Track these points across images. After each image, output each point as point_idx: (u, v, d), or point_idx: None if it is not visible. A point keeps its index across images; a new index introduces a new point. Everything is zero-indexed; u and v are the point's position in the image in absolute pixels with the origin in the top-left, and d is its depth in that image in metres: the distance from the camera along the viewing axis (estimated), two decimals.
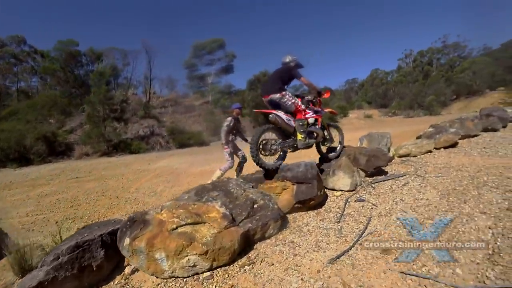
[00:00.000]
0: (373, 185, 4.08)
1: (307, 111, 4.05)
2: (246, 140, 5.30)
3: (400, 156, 5.93)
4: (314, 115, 4.13)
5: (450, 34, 58.16)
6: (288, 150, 4.02)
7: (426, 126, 8.37)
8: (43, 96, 25.66)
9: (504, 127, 8.25)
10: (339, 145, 4.73)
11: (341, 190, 4.04)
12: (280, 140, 3.85)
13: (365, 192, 3.91)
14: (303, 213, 3.50)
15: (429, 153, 5.81)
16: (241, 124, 5.78)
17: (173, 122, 28.41)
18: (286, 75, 3.83)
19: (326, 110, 4.61)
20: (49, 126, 22.35)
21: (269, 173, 3.82)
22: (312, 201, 3.52)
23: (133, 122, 26.42)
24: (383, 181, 4.22)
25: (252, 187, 3.64)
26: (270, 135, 3.85)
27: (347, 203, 3.56)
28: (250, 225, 2.89)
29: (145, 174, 10.18)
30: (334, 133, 4.78)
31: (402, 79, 47.67)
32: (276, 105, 3.82)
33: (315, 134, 4.11)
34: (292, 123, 3.79)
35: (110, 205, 6.49)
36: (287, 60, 3.88)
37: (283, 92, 3.72)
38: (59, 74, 28.32)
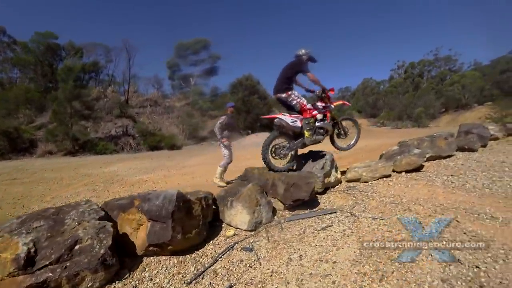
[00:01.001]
0: (283, 225, 2.98)
1: (315, 107, 4.12)
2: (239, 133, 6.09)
3: (349, 181, 4.82)
4: (322, 111, 4.19)
5: (442, 47, 58.24)
6: (299, 149, 4.18)
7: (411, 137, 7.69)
8: (15, 89, 24.19)
9: (483, 146, 7.25)
10: (354, 139, 4.86)
11: (238, 228, 3.11)
12: (289, 144, 4.00)
13: (265, 235, 2.79)
14: (164, 258, 2.65)
15: (385, 178, 4.71)
16: (235, 121, 5.99)
17: (150, 123, 27.14)
18: (294, 69, 3.84)
19: (336, 103, 4.57)
20: (15, 121, 20.96)
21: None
22: (170, 246, 2.56)
23: (106, 120, 25.07)
24: (302, 219, 3.12)
25: (104, 217, 2.62)
26: (280, 140, 4.01)
27: (230, 251, 2.55)
28: (51, 274, 2.10)
29: (82, 179, 8.94)
30: (349, 126, 4.82)
31: (392, 89, 47.24)
32: (284, 103, 3.99)
33: (324, 129, 4.15)
34: (298, 123, 3.87)
35: None
36: (300, 53, 3.87)
37: (289, 92, 3.84)
38: (36, 67, 26.82)
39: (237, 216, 3.17)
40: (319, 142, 4.24)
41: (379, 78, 53.64)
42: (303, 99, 4.04)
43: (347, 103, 5.28)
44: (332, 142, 4.67)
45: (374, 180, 4.66)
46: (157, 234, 2.60)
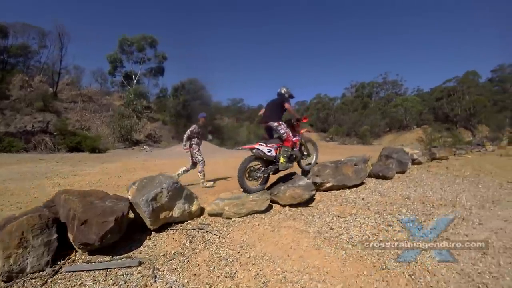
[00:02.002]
0: (53, 278, 2.25)
1: (293, 139, 4.58)
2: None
3: (211, 215, 3.48)
4: (295, 139, 4.66)
5: (390, 72, 62.54)
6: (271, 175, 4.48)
7: (349, 155, 6.81)
8: None
9: (402, 172, 6.51)
10: (314, 158, 5.26)
11: None
12: (264, 168, 4.34)
13: None
14: None
15: (256, 215, 3.45)
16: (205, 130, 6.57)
17: (77, 121, 23.91)
18: (281, 104, 4.49)
19: (302, 131, 5.08)
20: None
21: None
22: None
23: (25, 113, 21.44)
24: (86, 270, 2.31)
25: None
26: (255, 163, 4.34)
27: None
28: None
29: None
30: (310, 147, 5.25)
31: (343, 106, 48.99)
32: (271, 130, 4.62)
33: (294, 156, 4.59)
34: (273, 152, 4.29)
35: None
36: (283, 91, 4.66)
37: (280, 122, 4.44)
38: None
39: None
40: (289, 168, 4.57)
41: (334, 95, 55.36)
42: (289, 130, 4.51)
43: (306, 119, 5.28)
44: (298, 163, 4.98)
45: (239, 217, 3.37)
46: None
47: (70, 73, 32.99)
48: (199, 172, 6.02)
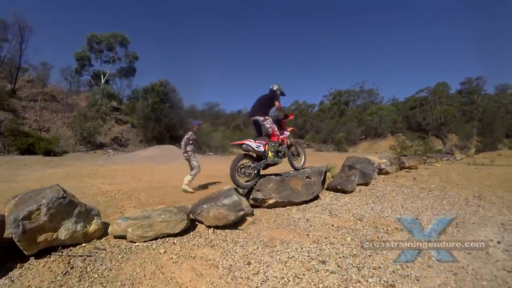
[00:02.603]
0: None
1: (280, 135, 4.68)
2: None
3: (116, 237, 2.64)
4: (282, 136, 4.79)
5: (367, 81, 64.14)
6: (261, 170, 4.56)
7: (324, 163, 6.69)
8: None
9: (365, 184, 5.91)
10: (303, 159, 5.45)
11: None
12: (254, 165, 4.41)
13: None
14: None
15: (167, 239, 2.64)
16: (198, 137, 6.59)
17: (35, 121, 22.01)
18: (270, 100, 4.59)
19: (289, 130, 5.12)
20: None
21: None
22: None
23: None
24: None
25: None
26: (246, 160, 4.42)
27: None
28: None
29: None
30: (300, 149, 5.42)
31: (320, 114, 49.25)
32: (258, 125, 4.63)
33: (283, 153, 4.69)
34: (261, 148, 4.37)
35: None
36: (275, 88, 4.70)
37: (266, 117, 4.47)
38: None
39: None
40: (277, 163, 4.65)
41: (312, 102, 55.56)
42: (275, 125, 4.56)
43: (294, 129, 5.63)
44: (290, 162, 5.00)
45: (145, 242, 2.54)
46: None
47: (37, 69, 30.93)
48: (190, 175, 6.10)
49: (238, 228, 3.13)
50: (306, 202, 4.35)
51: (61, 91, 28.04)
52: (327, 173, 6.11)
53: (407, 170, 9.27)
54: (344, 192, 5.15)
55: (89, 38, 26.47)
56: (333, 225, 3.29)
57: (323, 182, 5.46)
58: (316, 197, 4.61)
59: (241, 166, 4.41)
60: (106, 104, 21.84)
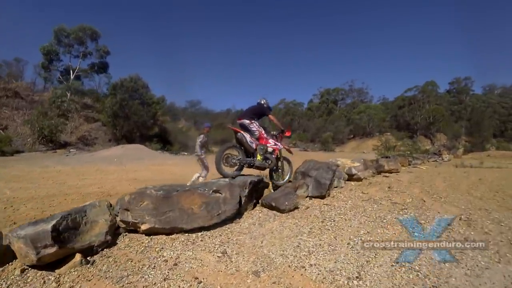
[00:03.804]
0: None
1: (269, 141, 4.71)
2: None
3: None
4: (274, 146, 4.77)
5: (356, 80, 63.43)
6: (245, 166, 4.54)
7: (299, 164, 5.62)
8: None
9: (320, 197, 4.55)
10: (287, 176, 5.14)
11: None
12: (240, 157, 4.44)
13: None
14: None
15: None
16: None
17: None
18: (259, 111, 4.75)
19: (284, 146, 5.10)
20: None
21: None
22: None
23: None
24: None
25: None
26: (233, 151, 4.45)
27: None
28: None
29: None
30: (285, 166, 5.22)
31: (308, 112, 48.16)
32: (245, 128, 4.57)
33: (270, 161, 4.59)
34: (254, 145, 4.44)
35: None
36: (262, 102, 4.88)
37: (252, 121, 4.56)
38: None
39: None
40: (263, 168, 4.63)
41: (303, 101, 54.29)
42: (262, 129, 4.63)
43: (291, 151, 5.69)
44: (270, 176, 4.98)
45: None
46: None
47: (10, 66, 28.90)
48: (201, 176, 6.08)
49: (56, 270, 1.73)
50: (209, 228, 2.95)
51: (27, 88, 26.14)
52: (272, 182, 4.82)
53: (385, 174, 7.99)
54: (279, 211, 3.78)
55: (56, 31, 24.60)
56: (209, 283, 1.90)
57: (258, 196, 4.15)
58: (226, 221, 3.22)
59: (227, 155, 4.36)
60: (68, 101, 20.04)
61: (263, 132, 4.66)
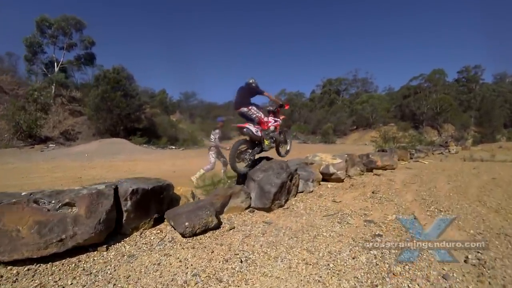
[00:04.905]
0: None
1: (269, 120, 4.69)
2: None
3: None
4: (275, 124, 4.76)
5: (360, 69, 61.26)
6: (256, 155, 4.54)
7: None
8: None
9: (265, 209, 3.33)
10: (289, 146, 5.33)
11: None
12: (250, 150, 4.43)
13: None
14: None
15: None
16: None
17: None
18: (251, 92, 4.59)
19: (282, 117, 5.10)
20: None
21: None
22: None
23: None
24: None
25: None
26: (243, 147, 4.42)
27: None
28: None
29: None
30: (288, 137, 5.34)
31: (309, 103, 46.38)
32: (244, 116, 4.50)
33: (275, 139, 4.71)
34: (259, 133, 4.37)
35: None
36: (251, 81, 4.65)
37: (250, 107, 4.43)
38: None
39: None
40: (272, 148, 4.69)
41: (305, 92, 52.32)
42: (260, 113, 4.53)
43: (288, 106, 5.44)
44: (277, 148, 4.98)
45: None
46: None
47: (3, 61, 28.01)
48: (203, 169, 6.18)
49: None
50: (45, 259, 1.72)
51: (12, 82, 25.14)
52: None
53: (377, 172, 6.60)
54: (183, 236, 2.48)
55: (38, 22, 23.38)
56: None
57: (166, 208, 2.85)
58: (80, 249, 1.96)
59: (239, 152, 4.37)
60: (46, 94, 18.93)
61: (262, 116, 4.56)
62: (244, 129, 4.34)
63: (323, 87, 48.30)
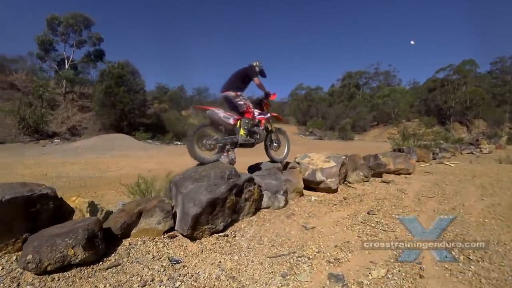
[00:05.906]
0: None
1: (254, 111, 4.12)
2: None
3: None
4: (259, 116, 4.18)
5: (382, 62, 57.92)
6: (228, 146, 3.90)
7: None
8: None
9: (189, 237, 2.23)
10: (286, 149, 4.68)
11: None
12: (217, 136, 3.78)
13: None
14: None
15: None
16: None
17: None
18: (246, 75, 4.00)
19: (272, 114, 4.48)
20: None
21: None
22: None
23: None
24: None
25: None
26: (207, 132, 3.77)
27: None
28: None
29: None
30: (282, 138, 4.63)
31: (327, 97, 44.26)
32: (230, 102, 3.97)
33: (258, 135, 4.08)
34: (231, 121, 3.77)
35: None
36: (254, 64, 4.14)
37: (238, 93, 3.87)
38: None
39: None
40: (250, 145, 4.00)
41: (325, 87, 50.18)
42: (249, 102, 4.03)
43: (281, 117, 5.04)
44: (266, 152, 4.41)
45: None
46: None
47: (26, 61, 28.85)
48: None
49: None
50: None
51: (26, 79, 25.62)
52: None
53: (386, 179, 5.23)
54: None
55: (49, 20, 23.54)
56: None
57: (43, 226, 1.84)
58: None
59: (200, 137, 3.61)
60: (51, 91, 18.86)
61: (251, 106, 4.02)
62: (208, 111, 3.69)
63: (343, 80, 45.98)
